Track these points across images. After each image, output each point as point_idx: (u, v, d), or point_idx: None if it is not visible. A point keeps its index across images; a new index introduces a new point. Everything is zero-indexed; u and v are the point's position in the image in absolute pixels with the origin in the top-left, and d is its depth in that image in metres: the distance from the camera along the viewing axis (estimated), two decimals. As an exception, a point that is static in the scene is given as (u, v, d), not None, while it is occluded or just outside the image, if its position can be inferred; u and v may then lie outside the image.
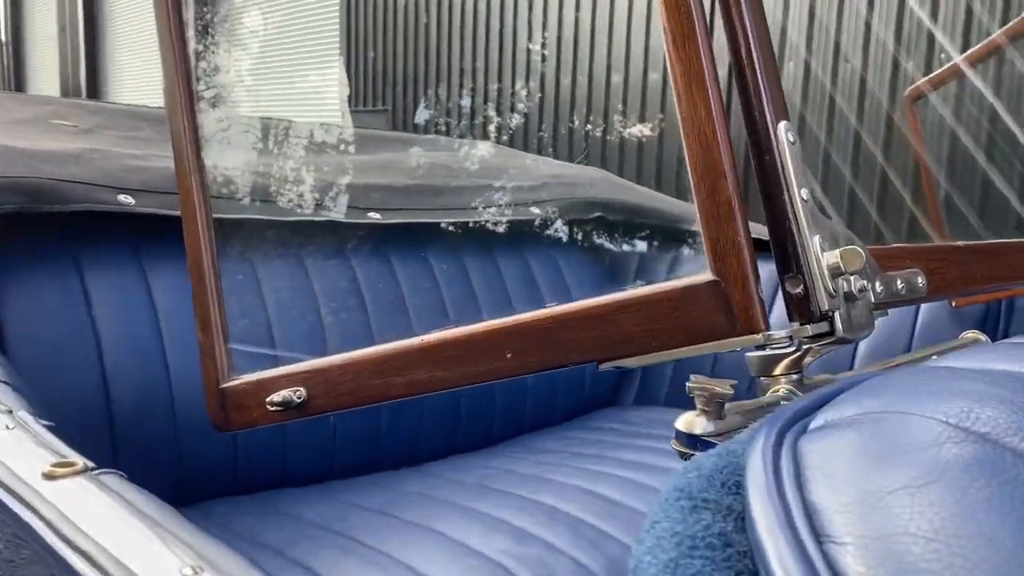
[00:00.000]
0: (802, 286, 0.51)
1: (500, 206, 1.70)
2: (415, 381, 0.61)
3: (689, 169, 0.53)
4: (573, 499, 1.18)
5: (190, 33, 0.80)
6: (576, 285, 1.76)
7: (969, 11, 3.47)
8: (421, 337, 0.62)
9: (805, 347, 0.54)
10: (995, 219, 3.17)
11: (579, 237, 1.84)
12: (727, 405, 0.49)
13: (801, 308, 0.51)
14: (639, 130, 5.30)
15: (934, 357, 0.64)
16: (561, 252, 1.79)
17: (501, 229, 1.71)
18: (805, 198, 0.52)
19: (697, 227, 1.65)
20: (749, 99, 0.54)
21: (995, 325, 1.44)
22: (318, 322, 1.39)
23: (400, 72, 6.31)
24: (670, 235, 1.83)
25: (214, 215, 1.31)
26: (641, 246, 1.85)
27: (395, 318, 1.47)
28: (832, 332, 0.52)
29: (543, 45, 5.60)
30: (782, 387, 0.55)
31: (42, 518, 0.43)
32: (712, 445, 0.49)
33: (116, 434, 1.16)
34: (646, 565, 0.33)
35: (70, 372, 1.15)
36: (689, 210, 1.91)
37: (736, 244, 0.51)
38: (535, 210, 1.73)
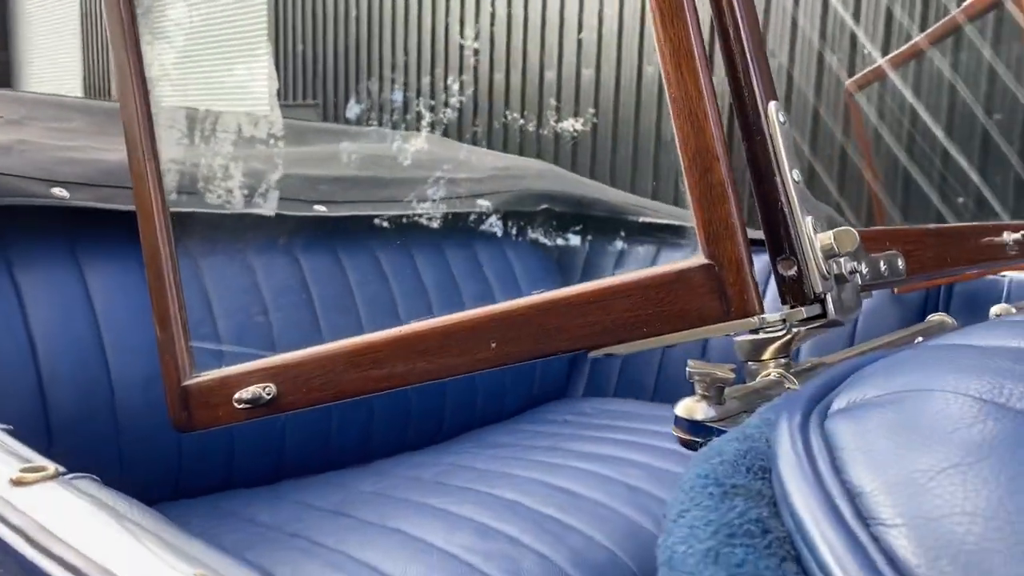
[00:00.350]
0: (796, 268, 0.51)
1: (448, 198, 1.67)
2: (394, 374, 0.59)
3: (680, 150, 0.52)
4: (533, 492, 1.17)
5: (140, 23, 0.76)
6: (524, 277, 1.75)
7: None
8: (400, 328, 0.60)
9: (795, 331, 0.54)
10: (921, 205, 3.27)
11: (527, 229, 1.83)
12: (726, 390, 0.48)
13: (795, 290, 0.51)
14: (571, 125, 5.32)
15: (919, 339, 0.64)
16: (509, 244, 1.78)
17: (449, 221, 1.69)
18: (797, 179, 0.51)
19: (647, 218, 1.65)
20: (738, 79, 0.53)
21: (934, 310, 1.48)
22: (265, 318, 1.35)
23: (331, 66, 6.21)
24: (618, 227, 1.83)
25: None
26: (589, 238, 1.85)
27: (343, 313, 1.44)
28: (824, 315, 0.51)
29: (476, 38, 5.59)
30: (772, 371, 0.54)
31: (16, 529, 0.39)
32: (714, 431, 0.48)
33: (54, 438, 1.11)
34: (682, 555, 0.32)
35: (2, 374, 1.09)
36: (637, 202, 1.92)
37: (730, 227, 0.50)
38: (483, 202, 1.71)
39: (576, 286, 0.55)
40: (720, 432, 0.47)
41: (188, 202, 1.31)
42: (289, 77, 6.30)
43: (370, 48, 6.05)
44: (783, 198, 0.51)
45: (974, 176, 3.29)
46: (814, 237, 0.51)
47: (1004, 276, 1.43)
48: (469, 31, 5.56)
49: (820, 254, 0.51)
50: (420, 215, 1.62)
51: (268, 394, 0.64)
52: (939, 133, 3.41)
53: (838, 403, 0.37)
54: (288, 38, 6.39)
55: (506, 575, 0.98)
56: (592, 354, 0.54)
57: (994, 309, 0.91)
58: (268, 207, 1.41)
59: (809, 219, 0.51)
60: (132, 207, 1.25)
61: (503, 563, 0.99)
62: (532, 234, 1.84)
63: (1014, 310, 0.88)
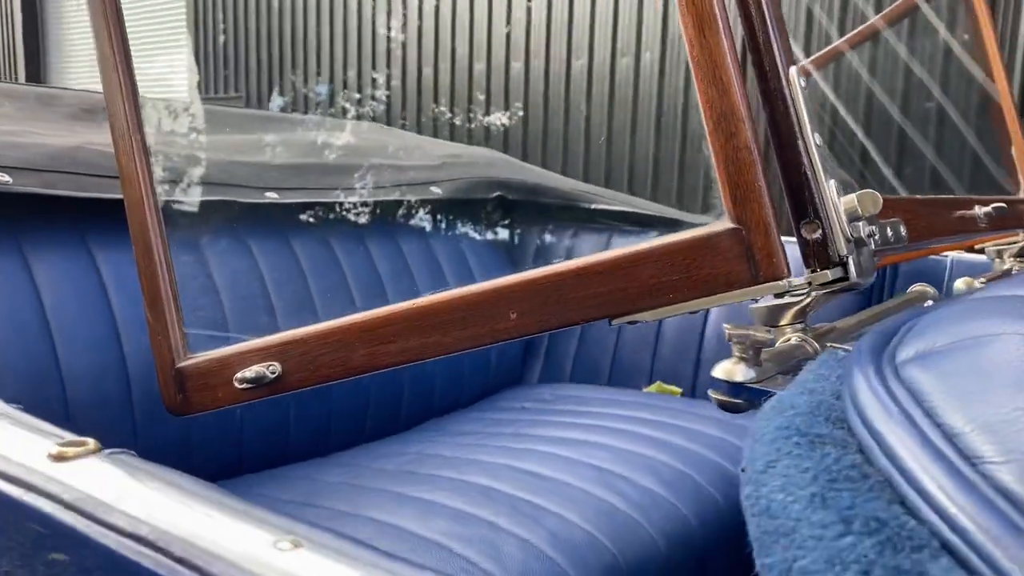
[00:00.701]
0: (820, 231, 0.51)
1: (402, 185, 1.65)
2: (407, 348, 0.57)
3: (704, 116, 0.52)
4: (504, 477, 1.16)
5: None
6: (478, 265, 1.74)
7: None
8: (413, 301, 0.58)
9: (813, 295, 0.54)
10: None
11: (480, 216, 1.82)
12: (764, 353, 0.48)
13: (819, 254, 0.51)
14: (498, 118, 5.32)
15: (929, 302, 0.66)
16: (463, 231, 1.77)
17: (403, 209, 1.67)
18: (819, 143, 0.52)
19: (600, 205, 1.66)
20: (758, 45, 0.53)
21: (881, 289, 1.52)
22: (219, 305, 1.30)
23: (253, 58, 6.07)
24: (571, 214, 1.83)
25: (98, 195, 1.21)
26: (542, 224, 1.85)
27: (298, 301, 1.41)
28: (846, 277, 0.52)
29: (403, 29, 5.53)
30: (792, 336, 0.55)
31: (69, 505, 0.37)
32: (754, 391, 0.48)
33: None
34: (781, 503, 0.32)
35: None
36: (588, 189, 1.93)
37: (756, 189, 0.50)
38: (436, 189, 1.70)
39: (599, 254, 0.55)
40: (760, 392, 0.48)
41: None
42: (211, 70, 6.13)
43: (294, 40, 5.93)
44: (806, 162, 0.52)
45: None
46: (838, 201, 0.51)
47: (946, 256, 1.48)
48: (396, 23, 5.50)
49: (844, 217, 0.51)
50: (374, 203, 1.60)
51: (272, 373, 0.61)
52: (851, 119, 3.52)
53: (904, 354, 0.38)
54: (209, 29, 6.21)
55: (486, 559, 0.97)
56: (615, 322, 0.54)
57: (958, 283, 0.95)
58: (217, 194, 1.37)
59: (832, 183, 0.52)
60: (79, 193, 1.20)
61: (483, 547, 0.98)
62: (485, 221, 1.83)
63: (977, 283, 0.91)
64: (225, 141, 1.59)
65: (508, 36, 5.15)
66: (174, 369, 0.65)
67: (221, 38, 6.18)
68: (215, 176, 1.39)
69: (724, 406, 0.48)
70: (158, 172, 1.32)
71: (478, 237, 1.79)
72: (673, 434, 1.34)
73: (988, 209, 0.83)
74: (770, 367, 0.49)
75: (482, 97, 5.33)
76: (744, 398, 0.47)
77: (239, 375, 0.62)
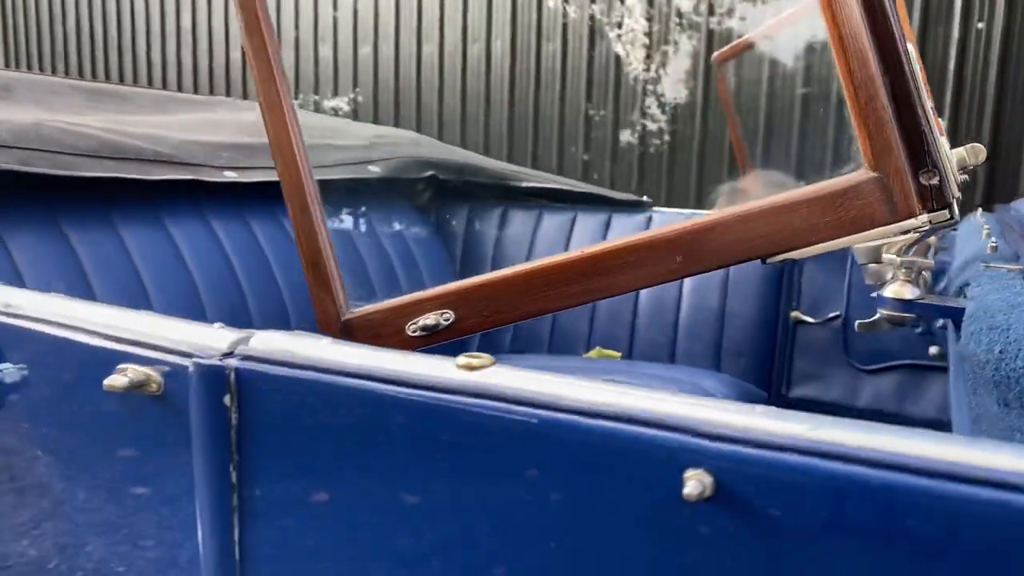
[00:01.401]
0: (937, 178, 0.62)
1: (343, 164, 1.66)
2: (572, 292, 0.64)
3: (844, 83, 0.61)
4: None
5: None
6: (416, 243, 1.78)
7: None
8: (582, 249, 0.65)
9: (913, 235, 0.66)
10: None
11: (411, 195, 1.85)
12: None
13: (936, 196, 0.62)
14: (342, 102, 5.26)
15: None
16: (396, 209, 1.80)
17: (347, 187, 1.68)
18: (931, 107, 0.63)
19: (530, 183, 1.74)
20: (876, 18, 0.63)
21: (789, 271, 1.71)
22: (191, 284, 1.28)
23: (60, 43, 5.70)
24: (499, 192, 1.91)
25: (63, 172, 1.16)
26: (471, 202, 1.91)
27: (264, 280, 1.40)
28: (952, 217, 0.63)
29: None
30: (899, 270, 0.66)
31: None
32: (922, 306, 0.59)
33: None
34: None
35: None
36: (517, 170, 2.00)
37: (894, 143, 0.60)
38: (374, 168, 1.72)
39: (751, 203, 0.63)
40: (924, 306, 0.58)
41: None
42: (11, 53, 5.69)
43: (105, 21, 5.60)
44: (924, 122, 0.63)
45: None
46: (950, 152, 0.63)
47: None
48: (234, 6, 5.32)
49: (955, 165, 0.62)
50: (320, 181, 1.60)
51: (446, 320, 0.65)
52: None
53: None
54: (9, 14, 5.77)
55: None
56: (769, 261, 0.63)
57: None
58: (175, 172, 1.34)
59: (943, 138, 0.63)
60: (54, 171, 1.15)
61: None
62: (416, 199, 1.87)
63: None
64: (148, 120, 1.54)
65: (355, 20, 5.11)
66: (340, 322, 0.68)
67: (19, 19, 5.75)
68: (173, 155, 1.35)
69: (893, 320, 0.58)
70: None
71: (409, 213, 1.83)
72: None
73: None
74: (926, 289, 0.60)
75: (331, 80, 5.26)
76: (915, 312, 0.57)
77: (412, 324, 0.65)
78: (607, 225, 1.77)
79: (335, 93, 5.21)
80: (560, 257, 0.65)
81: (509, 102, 4.62)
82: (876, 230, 0.61)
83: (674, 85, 3.99)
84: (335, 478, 0.52)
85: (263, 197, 1.50)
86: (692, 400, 0.42)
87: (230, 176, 1.41)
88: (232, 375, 0.55)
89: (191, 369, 0.56)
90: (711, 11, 3.71)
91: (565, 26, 4.47)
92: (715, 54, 1.76)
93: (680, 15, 3.92)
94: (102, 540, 0.62)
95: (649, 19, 4.08)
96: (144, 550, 0.60)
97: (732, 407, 0.41)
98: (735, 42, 1.86)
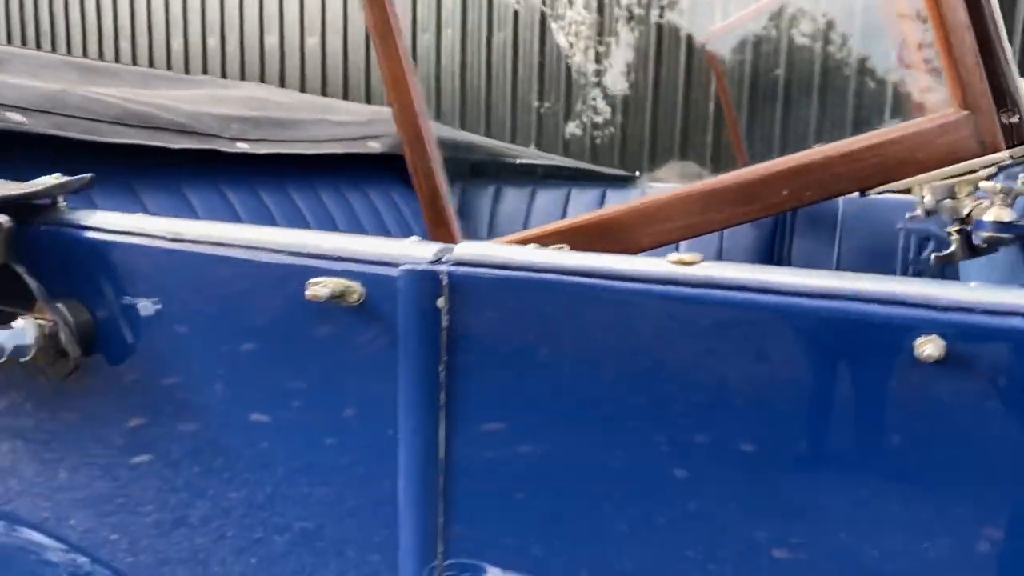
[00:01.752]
0: (1017, 116, 0.68)
1: (344, 140, 1.67)
2: (688, 225, 0.67)
3: (936, 35, 0.66)
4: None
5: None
6: (413, 216, 1.79)
7: None
8: (689, 186, 0.68)
9: (986, 171, 0.71)
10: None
11: (407, 170, 1.86)
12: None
13: (1018, 133, 0.68)
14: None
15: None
16: (394, 184, 1.81)
17: (349, 162, 1.69)
18: (1012, 55, 0.68)
19: (524, 160, 1.78)
20: (962, -21, 0.68)
21: (784, 229, 1.77)
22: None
23: (17, 30, 5.51)
24: (493, 168, 1.93)
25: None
26: (464, 177, 1.93)
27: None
28: (1027, 153, 0.69)
29: (97, 6, 5.35)
30: (996, 195, 0.71)
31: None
32: (1015, 227, 0.64)
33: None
34: None
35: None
36: (510, 147, 2.02)
37: (983, 84, 0.66)
38: (374, 144, 1.73)
39: (854, 138, 0.68)
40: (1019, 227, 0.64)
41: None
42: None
43: (69, 8, 5.45)
44: (1004, 69, 0.68)
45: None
46: (1026, 95, 0.68)
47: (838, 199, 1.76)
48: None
49: (1032, 106, 0.68)
50: (327, 155, 1.61)
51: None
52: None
53: None
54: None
55: None
56: (868, 194, 0.68)
57: None
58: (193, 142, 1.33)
59: (1022, 82, 0.69)
60: (87, 136, 1.13)
61: None
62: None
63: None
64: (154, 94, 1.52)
65: (302, 10, 5.07)
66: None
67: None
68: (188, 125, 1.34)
69: (991, 241, 0.63)
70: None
71: (407, 189, 1.84)
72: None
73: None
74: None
75: (278, 69, 5.21)
76: (1013, 233, 0.63)
77: (533, 255, 0.68)
78: (602, 200, 1.81)
79: (281, 83, 5.15)
80: (670, 193, 0.69)
81: (343, 89, 4.78)
82: (964, 163, 0.67)
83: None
84: (546, 379, 0.55)
85: (273, 168, 1.50)
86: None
87: (242, 147, 1.41)
88: (445, 278, 0.58)
89: (399, 276, 0.59)
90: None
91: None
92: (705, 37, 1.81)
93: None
94: (304, 438, 0.65)
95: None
96: (343, 452, 0.63)
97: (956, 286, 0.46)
98: (726, 22, 1.92)
